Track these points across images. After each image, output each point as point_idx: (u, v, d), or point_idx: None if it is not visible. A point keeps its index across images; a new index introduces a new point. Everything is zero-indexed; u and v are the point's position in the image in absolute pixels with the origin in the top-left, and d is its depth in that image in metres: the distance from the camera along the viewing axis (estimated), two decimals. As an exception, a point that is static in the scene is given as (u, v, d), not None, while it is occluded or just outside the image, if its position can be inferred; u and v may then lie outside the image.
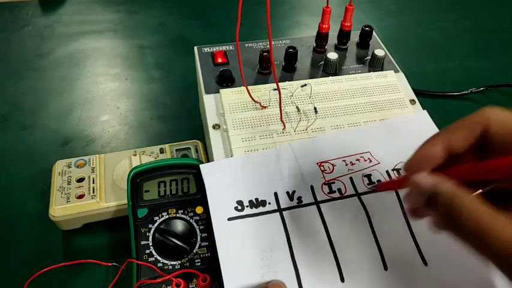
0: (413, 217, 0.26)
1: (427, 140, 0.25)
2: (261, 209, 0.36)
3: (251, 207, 0.36)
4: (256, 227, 0.35)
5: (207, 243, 0.38)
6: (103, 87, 0.62)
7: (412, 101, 0.46)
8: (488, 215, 0.20)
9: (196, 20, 0.76)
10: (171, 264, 0.37)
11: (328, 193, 0.37)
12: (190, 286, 0.36)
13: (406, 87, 0.48)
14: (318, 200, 0.37)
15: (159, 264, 0.37)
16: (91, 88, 0.62)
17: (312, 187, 0.38)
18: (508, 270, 0.20)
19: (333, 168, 0.39)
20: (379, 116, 0.44)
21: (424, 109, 0.46)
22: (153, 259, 0.37)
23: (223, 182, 0.38)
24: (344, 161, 0.40)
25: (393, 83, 0.47)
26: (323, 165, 0.39)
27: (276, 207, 0.36)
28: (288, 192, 0.37)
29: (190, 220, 0.39)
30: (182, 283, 0.36)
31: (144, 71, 0.65)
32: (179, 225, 0.39)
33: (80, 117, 0.57)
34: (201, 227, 0.39)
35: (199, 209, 0.39)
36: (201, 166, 0.39)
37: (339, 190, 0.38)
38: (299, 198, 0.37)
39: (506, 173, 0.21)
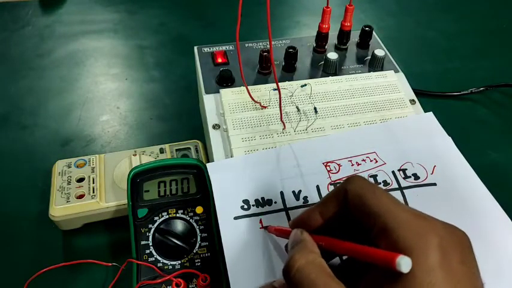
0: None
1: (309, 208, 0.28)
2: (267, 208, 0.36)
3: (257, 206, 0.36)
4: None
5: (207, 243, 0.38)
6: (103, 87, 0.62)
7: (412, 101, 0.46)
8: (315, 277, 0.23)
9: (196, 20, 0.76)
10: (171, 264, 0.37)
11: None
12: (190, 286, 0.36)
13: (406, 87, 0.48)
14: None
15: (159, 264, 0.37)
16: (91, 88, 0.62)
17: (317, 187, 0.38)
18: None
19: (339, 168, 0.39)
20: (379, 116, 0.44)
21: (423, 109, 0.46)
22: (153, 259, 0.37)
23: (230, 181, 0.38)
24: (350, 161, 0.40)
25: (393, 83, 0.47)
26: (329, 165, 0.39)
27: (282, 207, 0.36)
28: (294, 192, 0.37)
29: (190, 220, 0.39)
30: (182, 283, 0.36)
31: (144, 71, 0.65)
32: (179, 225, 0.39)
33: (79, 117, 0.57)
34: (201, 227, 0.39)
35: (199, 209, 0.39)
36: (208, 165, 0.39)
37: None
38: (305, 198, 0.37)
39: (347, 252, 0.24)
